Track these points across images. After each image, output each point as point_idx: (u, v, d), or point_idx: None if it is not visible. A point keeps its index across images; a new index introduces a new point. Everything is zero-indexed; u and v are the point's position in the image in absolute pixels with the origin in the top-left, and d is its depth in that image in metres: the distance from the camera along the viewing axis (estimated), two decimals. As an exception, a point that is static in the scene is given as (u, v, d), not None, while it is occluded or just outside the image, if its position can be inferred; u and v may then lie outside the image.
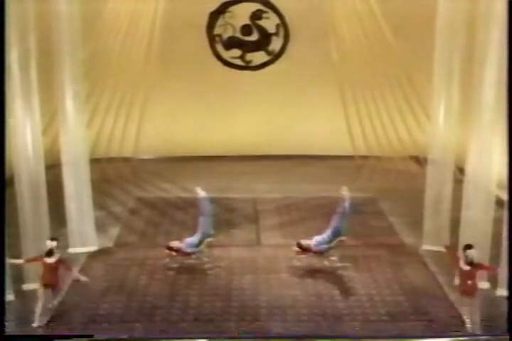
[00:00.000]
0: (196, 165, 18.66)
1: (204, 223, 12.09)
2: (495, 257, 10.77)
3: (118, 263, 12.41)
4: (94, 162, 14.45)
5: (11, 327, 9.71)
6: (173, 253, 12.05)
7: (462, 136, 11.99)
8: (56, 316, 10.20)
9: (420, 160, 17.06)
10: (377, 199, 15.99)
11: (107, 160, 18.18)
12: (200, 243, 12.05)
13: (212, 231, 12.23)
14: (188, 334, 9.76)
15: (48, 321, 10.04)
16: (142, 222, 14.76)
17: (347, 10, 17.75)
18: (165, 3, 17.42)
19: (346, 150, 19.23)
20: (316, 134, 19.20)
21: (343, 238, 11.93)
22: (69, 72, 12.16)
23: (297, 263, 12.10)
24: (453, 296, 10.69)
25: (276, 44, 19.33)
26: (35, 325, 9.90)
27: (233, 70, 19.44)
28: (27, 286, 11.03)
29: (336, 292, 11.12)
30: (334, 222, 11.93)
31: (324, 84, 18.60)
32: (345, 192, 11.88)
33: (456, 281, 10.34)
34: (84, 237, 12.89)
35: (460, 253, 10.17)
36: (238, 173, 17.88)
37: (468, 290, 9.80)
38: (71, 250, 12.60)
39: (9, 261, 10.30)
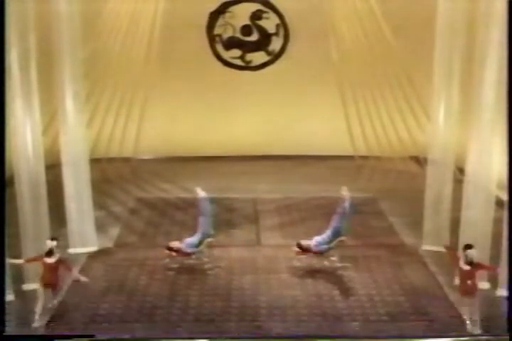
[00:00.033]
0: (196, 165, 18.65)
1: (204, 223, 12.09)
2: (495, 257, 10.77)
3: (118, 263, 12.40)
4: (94, 162, 14.44)
5: (11, 327, 9.70)
6: (173, 254, 12.04)
7: (462, 136, 11.99)
8: (56, 316, 10.20)
9: (420, 160, 17.05)
10: (377, 200, 15.98)
11: (107, 160, 18.17)
12: (200, 243, 12.04)
13: (212, 232, 12.22)
14: (188, 334, 9.75)
15: (48, 321, 10.04)
16: (142, 222, 14.76)
17: (347, 10, 17.74)
18: (165, 3, 17.41)
19: (346, 150, 19.22)
20: (316, 134, 19.20)
21: (343, 238, 11.93)
22: (69, 72, 12.15)
23: (297, 264, 12.10)
24: (453, 296, 10.69)
25: (276, 44, 19.33)
26: (35, 325, 9.90)
27: (233, 70, 19.44)
28: (27, 286, 11.02)
29: (336, 292, 11.11)
30: (334, 222, 11.92)
31: (324, 84, 18.60)
32: (345, 193, 11.87)
33: (456, 281, 10.34)
34: (84, 237, 12.89)
35: (460, 253, 10.17)
36: (238, 173, 17.88)
37: (469, 290, 9.81)
38: (71, 250, 12.60)
39: (9, 261, 10.30)
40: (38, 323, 9.91)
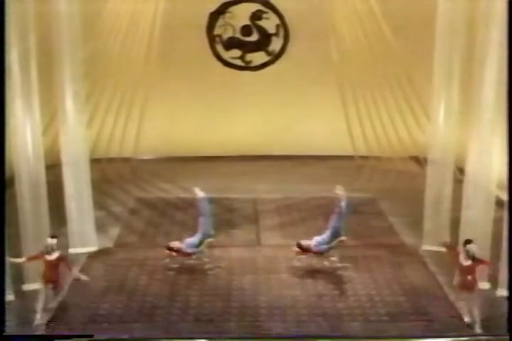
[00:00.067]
0: (196, 165, 18.65)
1: (204, 223, 12.08)
2: (495, 257, 10.77)
3: (118, 263, 12.40)
4: (94, 162, 14.43)
5: (11, 327, 9.70)
6: (174, 254, 12.04)
7: (462, 136, 12.00)
8: (56, 316, 10.21)
9: (420, 161, 17.04)
10: (377, 200, 15.98)
11: (107, 160, 18.16)
12: (200, 243, 12.04)
13: (212, 232, 12.22)
14: (188, 334, 9.76)
15: (48, 321, 10.04)
16: (142, 223, 14.75)
17: (347, 10, 17.74)
18: (165, 3, 17.41)
19: (346, 150, 19.22)
20: (316, 134, 19.20)
21: (343, 238, 11.92)
22: (69, 72, 12.15)
23: (297, 264, 12.10)
24: (453, 296, 10.68)
25: (276, 44, 19.33)
26: (36, 322, 9.90)
27: (233, 71, 19.44)
28: (27, 286, 11.02)
29: (336, 292, 11.11)
30: (332, 222, 11.91)
31: (324, 84, 18.60)
32: (340, 192, 11.82)
33: (455, 280, 10.30)
34: (85, 237, 12.89)
35: (460, 248, 10.17)
36: (238, 173, 17.88)
37: (468, 285, 9.82)
38: (71, 250, 12.58)
39: (10, 260, 10.32)
40: (39, 321, 9.91)
